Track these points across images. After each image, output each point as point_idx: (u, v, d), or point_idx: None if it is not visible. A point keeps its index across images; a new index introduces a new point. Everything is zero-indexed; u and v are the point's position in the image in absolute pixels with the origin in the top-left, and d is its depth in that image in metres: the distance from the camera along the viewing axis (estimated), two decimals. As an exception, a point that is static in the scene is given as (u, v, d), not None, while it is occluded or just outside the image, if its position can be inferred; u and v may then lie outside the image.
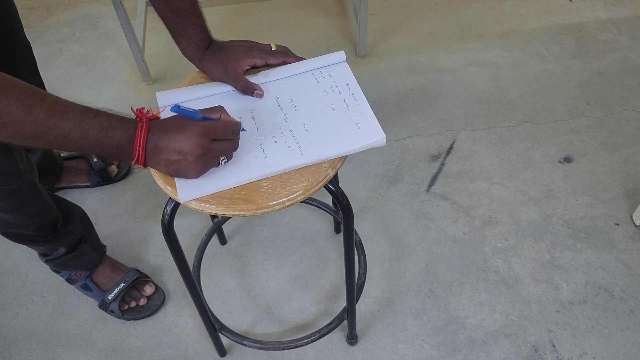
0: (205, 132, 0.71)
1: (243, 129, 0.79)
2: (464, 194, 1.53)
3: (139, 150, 0.69)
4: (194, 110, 0.73)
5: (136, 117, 0.70)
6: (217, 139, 0.73)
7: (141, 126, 0.69)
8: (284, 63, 0.92)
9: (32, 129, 0.63)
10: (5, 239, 1.17)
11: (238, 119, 0.84)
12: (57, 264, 1.28)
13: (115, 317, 1.32)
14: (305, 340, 1.14)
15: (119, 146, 0.68)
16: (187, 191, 0.75)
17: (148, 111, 0.71)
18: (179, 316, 1.33)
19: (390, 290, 1.35)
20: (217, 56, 0.88)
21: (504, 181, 1.55)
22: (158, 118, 0.72)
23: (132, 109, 0.72)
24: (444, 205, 1.50)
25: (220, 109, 0.76)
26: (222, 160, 0.75)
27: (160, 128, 0.70)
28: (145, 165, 0.72)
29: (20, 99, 0.62)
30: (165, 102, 0.87)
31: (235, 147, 0.76)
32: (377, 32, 2.02)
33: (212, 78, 0.90)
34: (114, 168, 1.59)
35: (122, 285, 1.32)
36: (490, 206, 1.50)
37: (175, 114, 0.73)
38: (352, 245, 0.95)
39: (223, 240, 1.45)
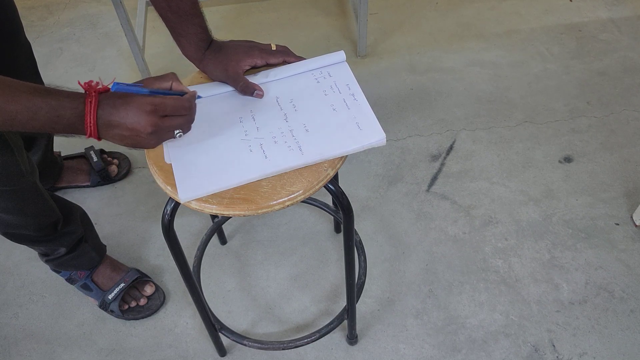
0: (154, 110, 0.70)
1: (199, 96, 0.77)
2: (464, 193, 1.53)
3: (90, 127, 0.68)
4: (137, 85, 0.72)
5: (85, 92, 0.69)
6: (168, 115, 0.71)
7: (90, 101, 0.68)
8: (284, 63, 0.92)
9: None
10: (6, 239, 1.17)
11: (238, 120, 0.84)
12: (57, 264, 1.28)
13: (115, 317, 1.32)
14: (305, 340, 1.14)
15: (70, 124, 0.68)
16: (187, 191, 0.75)
17: (97, 83, 0.70)
18: (179, 316, 1.33)
19: (390, 290, 1.35)
20: (218, 56, 0.88)
21: (504, 181, 1.55)
22: (108, 90, 0.71)
23: (79, 82, 0.70)
24: (444, 205, 1.50)
25: (170, 77, 0.75)
26: (177, 133, 0.74)
27: (110, 103, 0.69)
28: (99, 139, 0.71)
29: None
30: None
31: (190, 120, 0.75)
32: (377, 32, 2.02)
33: (212, 78, 0.90)
34: (114, 168, 1.59)
35: (122, 285, 1.32)
36: (490, 206, 1.50)
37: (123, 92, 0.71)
38: (352, 245, 0.95)
39: (223, 240, 1.45)
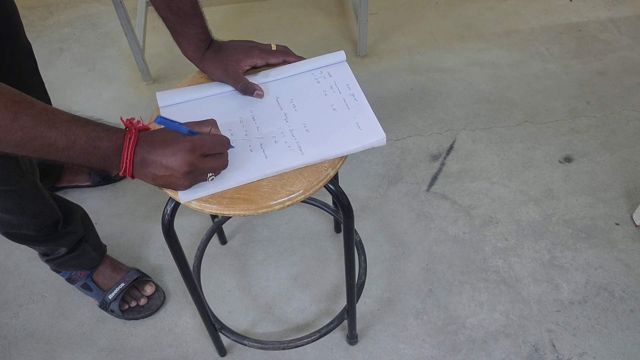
0: (194, 148, 0.69)
1: (232, 146, 0.77)
2: (464, 193, 1.53)
3: (126, 162, 0.68)
4: (180, 123, 0.71)
5: (125, 128, 0.69)
6: (206, 154, 0.71)
7: (129, 137, 0.67)
8: (284, 62, 0.92)
9: (18, 137, 0.62)
10: (6, 238, 1.17)
11: (238, 120, 0.84)
12: (57, 264, 1.28)
13: (115, 316, 1.32)
14: (306, 340, 1.14)
15: (106, 157, 0.67)
16: (187, 191, 0.75)
17: (138, 121, 0.69)
18: (179, 316, 1.33)
19: (390, 290, 1.35)
20: (218, 56, 0.88)
21: (504, 181, 1.55)
22: (148, 129, 0.71)
23: (121, 118, 0.70)
24: (444, 205, 1.51)
25: (211, 123, 0.74)
26: (210, 177, 0.73)
27: (148, 141, 0.68)
28: (133, 177, 0.70)
29: (6, 106, 0.61)
30: (165, 102, 0.87)
31: (224, 164, 0.74)
32: (378, 32, 2.02)
33: (212, 78, 0.90)
34: (114, 168, 1.59)
35: (122, 284, 1.32)
36: (490, 206, 1.50)
37: (163, 126, 0.71)
38: (352, 245, 0.95)
39: (223, 240, 1.45)
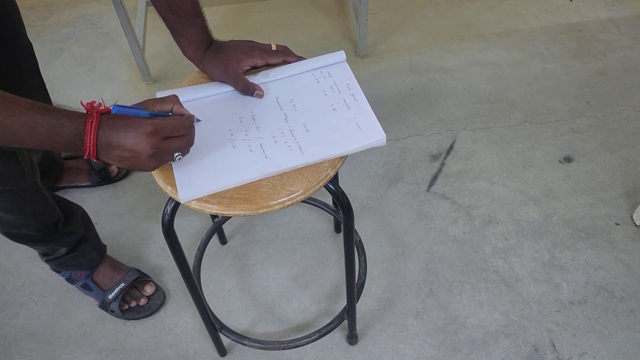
0: (156, 131, 0.69)
1: (198, 120, 0.78)
2: (464, 193, 1.53)
3: (89, 147, 0.68)
4: (138, 107, 0.72)
5: (87, 112, 0.69)
6: (169, 136, 0.71)
7: (91, 122, 0.67)
8: (284, 62, 0.92)
9: None
10: (6, 238, 1.17)
11: (238, 120, 0.84)
12: (57, 264, 1.28)
13: (115, 316, 1.32)
14: (306, 340, 1.14)
15: (70, 143, 0.67)
16: (187, 191, 0.75)
17: (99, 104, 0.70)
18: (179, 316, 1.33)
19: (390, 290, 1.35)
20: (218, 56, 0.88)
21: (504, 181, 1.55)
22: (109, 111, 0.70)
23: (81, 103, 0.70)
24: (444, 205, 1.51)
25: (172, 99, 0.75)
26: (177, 156, 0.74)
27: (111, 125, 0.68)
28: (98, 159, 0.70)
29: None
30: (165, 102, 0.87)
31: (189, 142, 0.75)
32: (378, 32, 2.02)
33: (212, 78, 0.91)
34: (114, 168, 1.59)
35: (122, 284, 1.32)
36: (490, 206, 1.50)
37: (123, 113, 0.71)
38: (352, 245, 0.95)
39: (223, 240, 1.45)
